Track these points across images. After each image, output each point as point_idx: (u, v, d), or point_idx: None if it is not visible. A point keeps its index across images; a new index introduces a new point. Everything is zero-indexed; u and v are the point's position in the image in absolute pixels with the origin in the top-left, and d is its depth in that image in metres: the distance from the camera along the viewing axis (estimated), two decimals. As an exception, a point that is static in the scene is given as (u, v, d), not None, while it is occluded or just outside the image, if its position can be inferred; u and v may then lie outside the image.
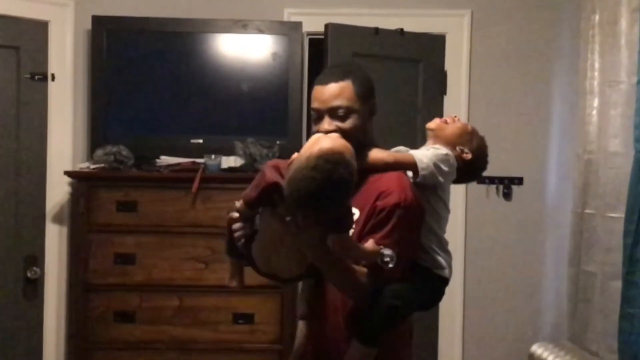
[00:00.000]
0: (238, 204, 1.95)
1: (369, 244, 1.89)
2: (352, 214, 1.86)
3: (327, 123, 2.00)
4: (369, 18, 3.82)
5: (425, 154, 2.01)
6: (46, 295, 3.71)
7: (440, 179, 2.01)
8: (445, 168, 2.02)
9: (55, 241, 3.73)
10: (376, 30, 3.74)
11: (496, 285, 4.00)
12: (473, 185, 3.95)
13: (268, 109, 3.80)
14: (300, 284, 2.32)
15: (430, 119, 2.24)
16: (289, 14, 3.90)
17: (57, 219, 3.74)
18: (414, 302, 1.99)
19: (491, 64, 3.99)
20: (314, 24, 3.76)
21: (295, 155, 1.81)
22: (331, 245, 1.83)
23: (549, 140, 3.98)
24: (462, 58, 3.97)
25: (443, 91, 3.96)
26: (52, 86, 3.71)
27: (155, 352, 3.47)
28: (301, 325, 2.23)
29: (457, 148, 2.10)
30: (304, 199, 1.72)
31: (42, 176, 3.69)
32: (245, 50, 3.80)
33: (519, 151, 3.99)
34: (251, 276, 2.07)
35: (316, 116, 2.04)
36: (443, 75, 3.95)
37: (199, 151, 3.62)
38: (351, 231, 1.91)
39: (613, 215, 3.05)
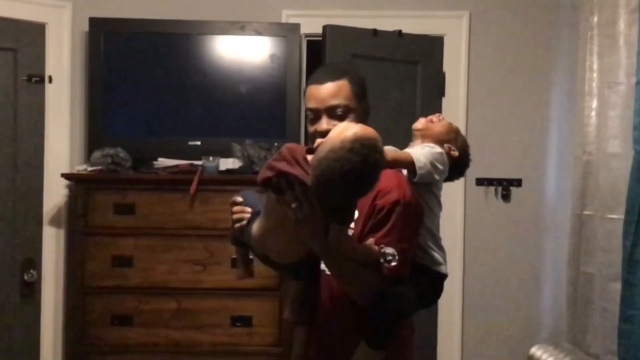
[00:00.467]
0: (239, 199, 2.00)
1: (370, 243, 1.87)
2: (354, 210, 1.85)
3: (325, 123, 1.98)
4: (367, 20, 3.81)
5: (422, 153, 2.00)
6: (43, 298, 3.70)
7: (436, 177, 2.02)
8: (440, 166, 2.02)
9: (52, 244, 3.72)
10: (374, 32, 3.74)
11: (495, 287, 3.99)
12: (472, 187, 3.95)
13: (266, 111, 3.80)
14: (287, 288, 2.29)
15: (429, 120, 2.23)
16: (287, 16, 3.90)
17: (55, 222, 3.73)
18: (417, 301, 1.99)
19: (489, 66, 3.99)
20: (312, 26, 3.76)
21: (319, 141, 1.78)
22: (329, 236, 1.80)
23: (548, 142, 3.97)
24: (461, 59, 3.97)
25: (441, 93, 3.95)
26: (49, 88, 3.70)
27: (153, 355, 3.46)
28: (300, 330, 2.20)
29: (445, 146, 2.10)
30: (338, 179, 1.69)
31: (39, 178, 3.68)
32: (243, 52, 3.80)
33: (518, 153, 3.99)
34: (249, 280, 2.06)
35: (313, 116, 2.02)
36: (441, 76, 3.95)
37: (197, 153, 3.62)
38: (351, 231, 1.90)
39: (612, 216, 3.04)
